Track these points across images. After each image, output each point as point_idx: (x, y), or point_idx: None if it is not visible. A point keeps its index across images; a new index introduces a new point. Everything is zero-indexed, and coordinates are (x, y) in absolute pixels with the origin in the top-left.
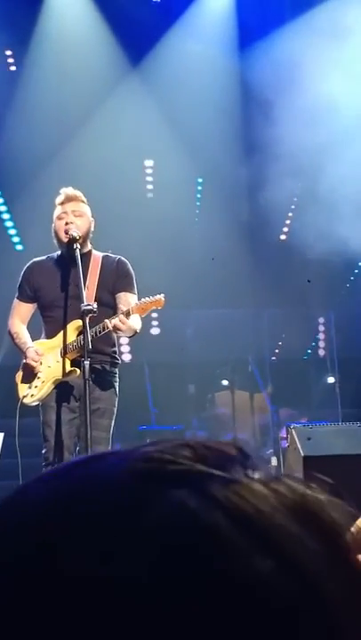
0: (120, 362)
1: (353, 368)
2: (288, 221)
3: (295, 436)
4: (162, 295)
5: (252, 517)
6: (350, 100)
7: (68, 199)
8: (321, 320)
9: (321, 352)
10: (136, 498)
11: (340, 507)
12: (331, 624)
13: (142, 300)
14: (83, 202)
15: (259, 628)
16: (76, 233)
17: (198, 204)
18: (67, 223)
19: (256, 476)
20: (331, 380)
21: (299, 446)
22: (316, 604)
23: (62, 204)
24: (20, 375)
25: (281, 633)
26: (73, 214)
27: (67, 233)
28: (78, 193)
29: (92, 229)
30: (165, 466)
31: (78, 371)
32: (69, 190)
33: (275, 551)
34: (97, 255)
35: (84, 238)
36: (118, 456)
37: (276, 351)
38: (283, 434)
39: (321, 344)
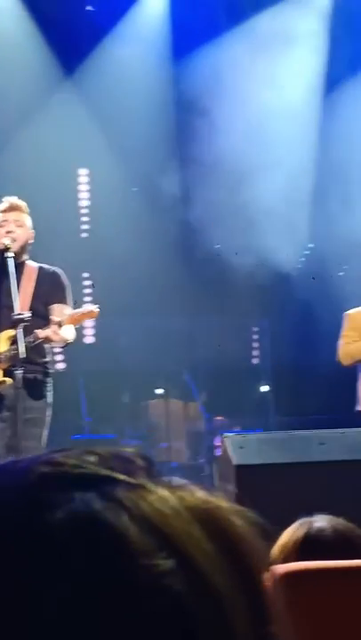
0: (53, 371)
1: (286, 376)
2: (221, 231)
3: (227, 445)
4: (96, 306)
5: (156, 520)
6: (283, 109)
7: (12, 208)
8: (255, 329)
9: (255, 360)
10: (37, 500)
11: (243, 513)
12: (226, 624)
13: (75, 311)
14: (26, 213)
15: (155, 625)
16: (7, 241)
17: (133, 213)
18: (8, 232)
19: (161, 482)
20: (265, 388)
21: (231, 455)
22: (212, 604)
23: (5, 212)
24: None
25: (177, 630)
26: (15, 224)
27: None
28: (22, 204)
29: (31, 241)
30: (71, 470)
31: (10, 380)
32: (14, 199)
33: (175, 552)
34: (33, 266)
35: (22, 249)
36: (27, 462)
37: (211, 360)
38: (217, 442)
39: (255, 352)
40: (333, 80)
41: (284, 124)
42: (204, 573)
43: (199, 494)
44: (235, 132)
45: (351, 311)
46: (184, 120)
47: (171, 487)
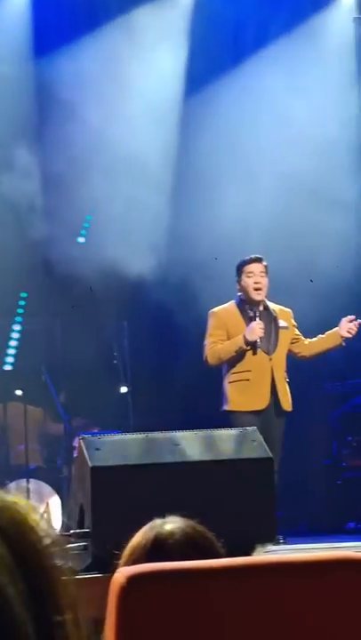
0: None
1: (145, 377)
2: (75, 235)
3: (83, 446)
4: None
5: None
6: (145, 110)
7: None
8: (114, 329)
9: (114, 361)
10: None
11: (36, 508)
12: (5, 612)
13: None
14: None
15: None
16: None
17: None
18: None
19: None
20: (123, 389)
21: (87, 456)
22: None
23: None
24: None
25: None
26: None
27: None
28: None
29: None
30: None
31: None
32: None
33: None
34: None
35: None
36: None
37: (70, 360)
38: (75, 443)
39: (114, 353)
40: (196, 81)
41: (145, 125)
42: None
43: None
44: (96, 135)
45: (217, 309)
46: (44, 121)
47: None
